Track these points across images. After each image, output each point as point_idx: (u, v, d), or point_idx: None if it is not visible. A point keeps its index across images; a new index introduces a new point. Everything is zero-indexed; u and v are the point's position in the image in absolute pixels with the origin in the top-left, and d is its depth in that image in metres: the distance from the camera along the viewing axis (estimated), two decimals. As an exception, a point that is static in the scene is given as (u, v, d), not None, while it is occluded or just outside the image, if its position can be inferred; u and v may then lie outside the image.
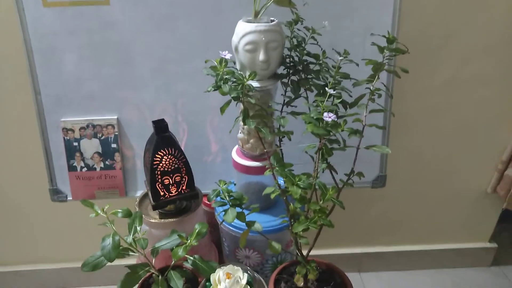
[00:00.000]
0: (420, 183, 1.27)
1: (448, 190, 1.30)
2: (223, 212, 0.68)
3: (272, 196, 0.65)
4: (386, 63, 0.68)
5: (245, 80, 0.64)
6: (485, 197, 1.32)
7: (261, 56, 0.69)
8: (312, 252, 0.73)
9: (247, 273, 0.73)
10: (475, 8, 1.02)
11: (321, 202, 0.63)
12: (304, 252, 0.74)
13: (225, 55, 0.64)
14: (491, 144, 1.22)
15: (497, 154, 1.24)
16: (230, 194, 0.69)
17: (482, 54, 1.07)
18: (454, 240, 1.42)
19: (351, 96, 0.71)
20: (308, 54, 0.76)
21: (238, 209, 0.69)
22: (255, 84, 0.72)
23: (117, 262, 0.68)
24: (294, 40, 0.76)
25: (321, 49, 0.77)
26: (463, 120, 1.17)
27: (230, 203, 0.68)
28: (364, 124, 0.67)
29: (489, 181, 1.28)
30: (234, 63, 0.76)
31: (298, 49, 0.76)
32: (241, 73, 0.69)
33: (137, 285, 0.72)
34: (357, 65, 0.75)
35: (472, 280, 1.41)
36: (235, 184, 0.91)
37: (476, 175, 1.28)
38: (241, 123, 0.69)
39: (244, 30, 0.69)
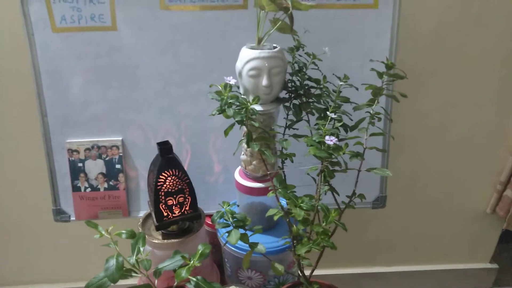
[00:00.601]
0: (420, 204, 1.28)
1: (448, 211, 1.31)
2: (227, 234, 0.69)
3: (275, 218, 0.66)
4: (385, 88, 0.71)
5: (248, 104, 0.66)
6: (485, 217, 1.33)
7: (264, 82, 0.71)
8: (314, 273, 0.74)
9: (250, 294, 0.73)
10: (468, 34, 1.06)
11: (324, 224, 0.65)
12: (307, 273, 0.74)
13: (229, 81, 0.66)
14: (489, 165, 1.24)
15: (495, 174, 1.26)
16: (234, 215, 0.70)
17: (476, 77, 1.11)
18: (454, 261, 1.42)
19: (351, 120, 0.73)
20: (309, 79, 0.79)
21: (242, 231, 0.70)
22: (258, 108, 0.74)
23: (120, 282, 0.68)
24: (296, 65, 0.79)
25: (322, 74, 0.79)
26: (460, 141, 1.20)
27: (234, 225, 0.69)
28: (364, 147, 0.68)
29: (488, 202, 1.29)
30: (238, 87, 0.78)
31: (299, 74, 0.78)
32: (245, 97, 0.71)
33: (139, 306, 0.72)
34: (357, 89, 0.77)
35: (474, 301, 1.40)
36: (238, 206, 0.92)
37: (475, 195, 1.29)
38: (244, 145, 0.71)
39: (248, 57, 0.71)
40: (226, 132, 0.69)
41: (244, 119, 0.67)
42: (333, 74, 0.78)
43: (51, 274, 1.28)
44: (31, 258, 1.24)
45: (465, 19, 1.05)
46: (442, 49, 1.07)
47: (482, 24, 1.06)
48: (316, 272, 0.74)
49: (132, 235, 0.74)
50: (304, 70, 0.79)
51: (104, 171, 0.96)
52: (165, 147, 0.82)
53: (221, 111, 0.67)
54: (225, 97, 0.67)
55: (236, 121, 0.67)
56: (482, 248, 1.40)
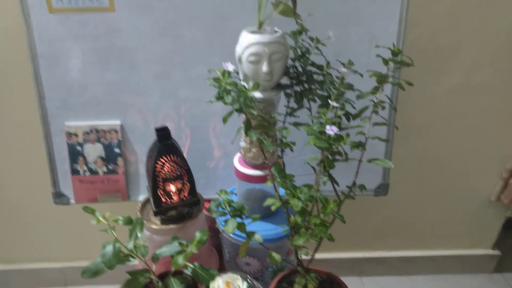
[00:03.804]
0: (423, 191, 1.27)
1: (452, 198, 1.29)
2: (224, 222, 0.69)
3: (273, 208, 0.65)
4: (391, 75, 0.68)
5: (247, 91, 0.64)
6: (489, 205, 1.31)
7: (265, 68, 0.69)
8: (314, 256, 0.73)
9: (247, 281, 0.73)
10: (483, 17, 1.01)
11: (322, 215, 0.63)
12: (305, 262, 0.74)
13: (227, 67, 0.64)
14: (496, 152, 1.21)
15: (501, 162, 1.23)
16: (231, 204, 0.69)
17: (490, 62, 1.06)
18: (457, 247, 1.41)
19: (354, 108, 0.71)
20: (312, 64, 0.76)
21: (239, 220, 0.69)
22: (257, 95, 0.72)
23: (119, 266, 0.69)
24: (298, 50, 0.76)
25: (325, 59, 0.76)
26: (468, 128, 1.17)
27: (231, 214, 0.68)
28: (367, 136, 0.66)
29: (493, 189, 1.28)
30: (237, 73, 0.76)
31: (302, 60, 0.75)
32: (244, 84, 0.69)
33: (137, 291, 0.73)
34: (361, 75, 0.74)
35: (474, 286, 1.40)
36: (235, 194, 0.91)
37: (480, 183, 1.27)
38: (243, 133, 0.69)
39: (247, 42, 0.68)
40: (224, 120, 0.67)
41: (243, 107, 0.65)
42: (337, 60, 0.75)
43: (52, 253, 1.30)
44: (32, 238, 1.26)
45: (479, 0, 1.00)
46: (454, 33, 1.02)
47: (498, 6, 1.01)
48: (317, 256, 0.73)
49: (129, 221, 0.74)
50: (307, 55, 0.76)
51: (103, 155, 0.96)
52: (163, 133, 0.81)
53: (219, 98, 0.65)
54: (223, 84, 0.64)
55: (235, 108, 0.65)
56: (485, 235, 1.39)
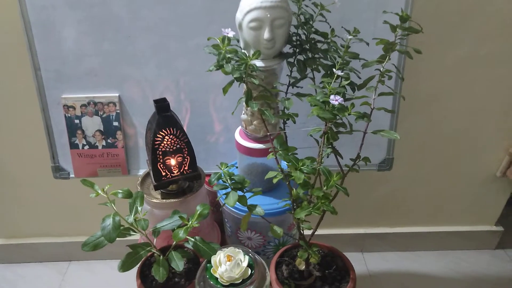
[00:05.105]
0: (428, 166, 1.25)
1: (457, 173, 1.27)
2: (225, 195, 0.67)
3: (275, 181, 0.63)
4: (398, 43, 0.65)
5: (248, 59, 0.61)
6: (494, 180, 1.29)
7: (266, 34, 0.66)
8: (316, 232, 0.72)
9: (248, 255, 0.72)
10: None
11: (325, 188, 0.62)
12: (307, 237, 0.73)
13: (227, 33, 0.61)
14: (504, 126, 1.18)
15: (509, 136, 1.20)
16: (232, 177, 0.67)
17: (502, 31, 1.02)
18: (459, 223, 1.40)
19: (359, 78, 0.68)
20: (316, 32, 0.73)
21: (240, 193, 0.68)
22: (259, 63, 0.69)
23: (120, 239, 0.68)
24: (302, 17, 0.72)
25: (330, 27, 0.73)
26: (476, 101, 1.13)
27: (232, 187, 0.67)
28: (372, 107, 0.64)
29: (499, 165, 1.25)
30: (238, 41, 0.73)
31: (305, 27, 0.72)
32: (245, 52, 0.66)
33: (138, 264, 0.72)
34: (367, 44, 0.71)
35: (476, 262, 1.40)
36: (237, 167, 0.90)
37: (486, 158, 1.25)
38: (244, 104, 0.67)
39: (248, 6, 0.65)
40: (224, 90, 0.65)
41: (244, 76, 0.62)
42: (342, 27, 0.71)
43: (53, 228, 1.30)
44: (33, 213, 1.25)
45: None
46: (464, 0, 0.98)
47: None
48: (319, 232, 0.72)
49: (128, 194, 0.73)
50: (311, 22, 0.73)
51: (101, 128, 0.94)
52: (162, 105, 0.79)
53: (219, 66, 0.63)
54: (223, 52, 0.62)
55: (235, 77, 0.62)
56: (488, 211, 1.38)
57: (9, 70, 0.98)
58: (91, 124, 0.94)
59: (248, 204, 0.68)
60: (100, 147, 0.96)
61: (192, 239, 0.74)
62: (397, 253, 1.43)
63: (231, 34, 0.61)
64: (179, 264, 0.71)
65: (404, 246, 1.43)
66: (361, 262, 1.39)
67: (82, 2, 0.84)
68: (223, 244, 0.99)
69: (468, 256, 1.43)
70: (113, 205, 0.70)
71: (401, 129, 1.00)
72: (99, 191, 0.70)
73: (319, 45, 0.73)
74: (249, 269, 0.70)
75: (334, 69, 0.62)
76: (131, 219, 0.73)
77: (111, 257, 1.33)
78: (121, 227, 0.69)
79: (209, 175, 0.90)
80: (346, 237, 1.38)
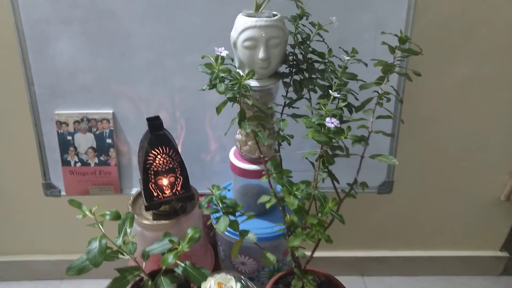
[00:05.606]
0: (429, 189, 1.22)
1: (459, 197, 1.24)
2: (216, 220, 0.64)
3: (268, 205, 0.61)
4: (397, 65, 0.63)
5: (242, 79, 0.59)
6: (498, 204, 1.26)
7: (261, 54, 0.64)
8: (314, 254, 0.68)
9: (241, 282, 0.69)
10: (495, 4, 0.95)
11: (319, 215, 0.59)
12: (303, 261, 0.69)
13: (220, 52, 0.59)
14: (507, 150, 1.16)
15: (512, 160, 1.17)
16: (224, 200, 0.65)
17: (503, 52, 1.00)
18: (463, 248, 1.36)
19: (357, 100, 0.66)
20: (313, 52, 0.71)
21: (232, 217, 0.65)
22: (254, 83, 0.67)
23: (109, 263, 0.65)
24: (298, 36, 0.71)
25: (328, 46, 0.71)
26: (478, 123, 1.11)
27: (223, 211, 0.64)
28: (370, 130, 0.61)
29: (503, 189, 1.22)
30: (232, 59, 0.71)
31: (302, 46, 0.70)
32: (239, 71, 0.64)
33: (126, 289, 0.69)
34: (366, 65, 0.69)
35: (481, 289, 1.36)
36: (229, 190, 0.87)
37: (490, 181, 1.22)
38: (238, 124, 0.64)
39: (243, 25, 0.63)
40: (218, 110, 0.63)
41: (237, 96, 0.60)
42: (340, 47, 0.69)
43: (44, 245, 1.27)
44: (23, 230, 1.23)
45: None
46: (466, 20, 0.96)
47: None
48: (318, 254, 0.69)
49: (116, 216, 0.70)
50: (308, 42, 0.71)
51: (94, 145, 0.92)
52: (155, 123, 0.77)
53: (212, 86, 0.61)
54: (216, 71, 0.60)
55: (228, 98, 0.60)
56: (493, 236, 1.34)
57: (1, 84, 0.97)
58: (84, 141, 0.92)
59: (240, 229, 0.65)
60: (92, 165, 0.93)
61: (182, 264, 0.71)
62: (398, 278, 1.39)
63: (224, 53, 0.59)
64: (168, 290, 0.68)
65: (406, 271, 1.38)
66: (361, 287, 1.35)
67: (77, 17, 0.83)
68: (217, 268, 0.95)
69: (471, 282, 1.38)
70: (100, 226, 0.67)
71: (401, 152, 0.97)
72: (87, 212, 0.67)
73: (316, 65, 0.71)
74: (241, 297, 0.67)
75: (330, 90, 0.60)
76: (119, 241, 0.70)
77: (104, 275, 1.29)
78: (109, 250, 0.66)
79: (203, 195, 0.88)
80: (345, 260, 1.34)
